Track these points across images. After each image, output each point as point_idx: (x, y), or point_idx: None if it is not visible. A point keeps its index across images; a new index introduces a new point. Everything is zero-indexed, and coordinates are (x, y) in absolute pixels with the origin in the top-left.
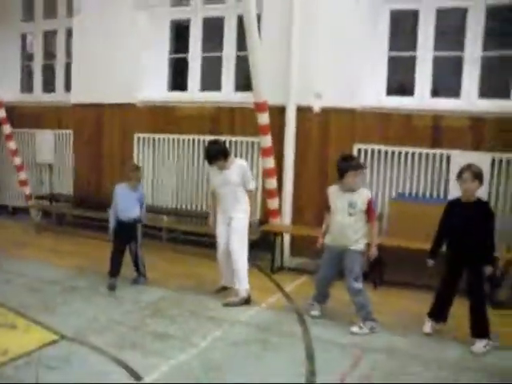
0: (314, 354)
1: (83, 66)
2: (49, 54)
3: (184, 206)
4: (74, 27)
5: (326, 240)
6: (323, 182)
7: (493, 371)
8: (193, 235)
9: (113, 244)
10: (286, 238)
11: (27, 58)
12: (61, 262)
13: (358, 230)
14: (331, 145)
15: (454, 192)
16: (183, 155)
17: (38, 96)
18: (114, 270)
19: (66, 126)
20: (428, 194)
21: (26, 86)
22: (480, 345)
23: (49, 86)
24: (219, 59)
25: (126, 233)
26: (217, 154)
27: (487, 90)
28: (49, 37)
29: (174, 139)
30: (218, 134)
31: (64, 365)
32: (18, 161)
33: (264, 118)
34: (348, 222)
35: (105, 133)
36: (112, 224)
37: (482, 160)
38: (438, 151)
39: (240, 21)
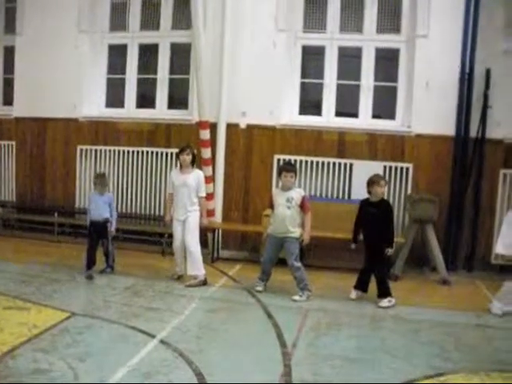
0: (271, 314)
1: (26, 83)
2: None
3: (124, 209)
4: (17, 46)
5: (270, 230)
6: (248, 187)
7: (392, 318)
8: (131, 233)
9: (88, 241)
10: (219, 234)
11: None
12: (30, 260)
13: (295, 220)
14: (254, 156)
15: (356, 194)
16: (123, 165)
17: None
18: (90, 263)
19: (7, 138)
20: (335, 195)
21: None
22: (385, 301)
23: None
24: (154, 80)
25: (98, 231)
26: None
27: (379, 112)
28: None
29: (114, 151)
30: (155, 147)
31: (90, 331)
32: None
33: (206, 134)
34: (287, 214)
35: (48, 145)
36: (88, 224)
37: (377, 167)
38: (342, 161)
39: (173, 47)
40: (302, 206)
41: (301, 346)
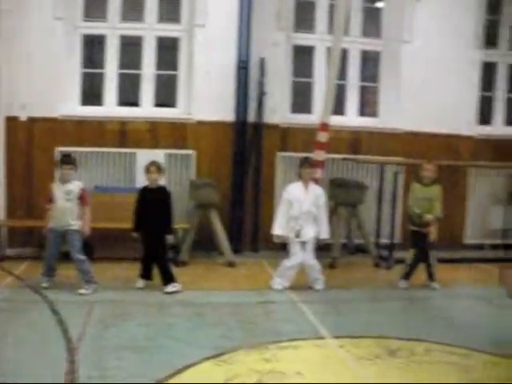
0: (57, 310)
1: None
2: None
3: None
4: None
5: (51, 224)
6: (31, 182)
7: (179, 303)
8: None
9: None
10: (4, 232)
11: None
12: None
13: (75, 213)
14: (36, 149)
15: (140, 183)
16: None
17: None
18: None
19: None
20: (120, 185)
21: None
22: (170, 286)
23: None
24: None
25: None
26: None
27: (162, 100)
28: None
29: None
30: None
31: None
32: None
33: None
34: (67, 207)
35: None
36: None
37: (160, 156)
38: (125, 150)
39: None
40: (82, 199)
41: (87, 340)
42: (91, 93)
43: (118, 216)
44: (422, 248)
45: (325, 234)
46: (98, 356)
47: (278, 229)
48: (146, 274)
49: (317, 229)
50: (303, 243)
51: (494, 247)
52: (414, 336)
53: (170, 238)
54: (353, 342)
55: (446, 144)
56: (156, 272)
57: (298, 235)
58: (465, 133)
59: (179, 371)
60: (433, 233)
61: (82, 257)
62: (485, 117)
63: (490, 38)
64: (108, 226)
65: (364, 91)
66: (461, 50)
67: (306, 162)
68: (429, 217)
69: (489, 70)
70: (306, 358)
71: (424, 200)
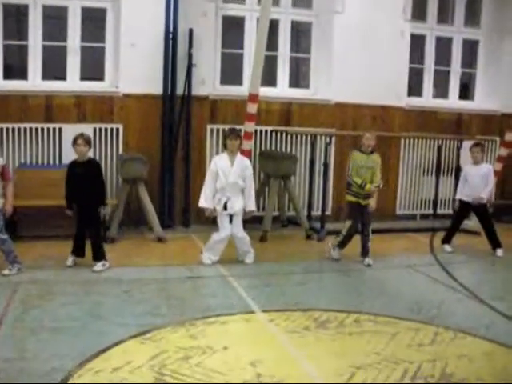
0: None
1: None
2: None
3: None
4: None
5: None
6: None
7: (106, 281)
8: None
9: None
10: None
11: None
12: None
13: None
14: None
15: (67, 158)
16: None
17: None
18: None
19: None
20: (46, 162)
21: None
22: (99, 264)
23: None
24: None
25: None
26: None
27: (89, 74)
28: None
29: None
30: None
31: None
32: None
33: None
34: None
35: None
36: None
37: (86, 130)
38: (51, 125)
39: None
40: (3, 176)
41: (8, 323)
42: (15, 66)
43: (44, 193)
44: (360, 220)
45: (252, 206)
46: (18, 338)
47: (204, 201)
48: (77, 251)
49: (244, 201)
50: (231, 216)
51: (426, 217)
52: (344, 307)
53: (103, 210)
54: (282, 316)
55: (377, 115)
56: (88, 248)
57: (225, 207)
58: (395, 104)
59: (103, 350)
60: (372, 203)
61: (4, 236)
62: (414, 88)
63: (420, 11)
64: (34, 203)
65: (297, 62)
66: (391, 22)
67: (232, 133)
68: (370, 187)
69: (418, 42)
70: (234, 333)
71: (364, 168)
